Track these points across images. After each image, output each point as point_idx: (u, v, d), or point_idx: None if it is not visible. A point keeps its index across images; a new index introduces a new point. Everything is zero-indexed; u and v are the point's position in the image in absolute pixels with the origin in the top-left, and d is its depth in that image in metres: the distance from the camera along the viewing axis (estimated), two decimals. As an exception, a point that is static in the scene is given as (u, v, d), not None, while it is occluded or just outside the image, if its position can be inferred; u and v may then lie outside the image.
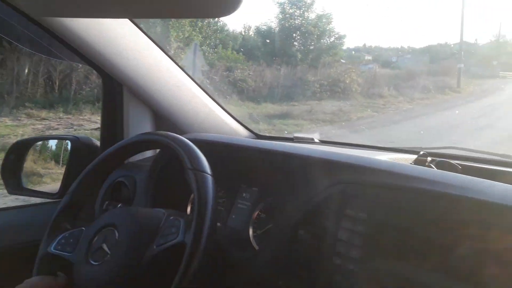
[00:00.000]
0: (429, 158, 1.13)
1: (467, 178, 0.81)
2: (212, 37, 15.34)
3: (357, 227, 0.85)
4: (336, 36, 16.13)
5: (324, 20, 15.70)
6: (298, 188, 0.99)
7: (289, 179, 1.05)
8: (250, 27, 17.39)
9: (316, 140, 1.50)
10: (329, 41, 16.00)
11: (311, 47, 15.18)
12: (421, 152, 1.17)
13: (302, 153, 1.07)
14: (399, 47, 56.06)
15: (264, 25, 16.16)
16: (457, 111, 10.62)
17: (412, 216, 0.80)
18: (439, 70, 20.62)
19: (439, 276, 0.73)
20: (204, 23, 14.24)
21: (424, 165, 1.10)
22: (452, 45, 57.28)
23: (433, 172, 0.90)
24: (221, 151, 1.23)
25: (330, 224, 0.89)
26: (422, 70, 22.49)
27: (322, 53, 15.37)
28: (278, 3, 15.61)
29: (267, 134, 1.69)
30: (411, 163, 1.12)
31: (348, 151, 1.16)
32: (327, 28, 15.66)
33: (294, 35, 15.00)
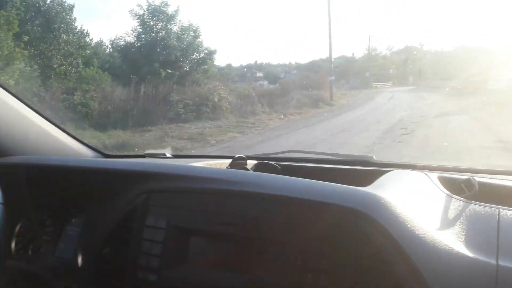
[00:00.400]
0: (248, 161, 1.24)
1: (265, 176, 0.88)
2: (76, 55, 13.24)
3: (157, 236, 0.87)
4: (206, 51, 15.22)
5: (191, 34, 14.69)
6: (107, 203, 1.02)
7: (100, 195, 1.07)
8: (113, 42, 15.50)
9: (168, 155, 1.55)
10: (198, 57, 15.03)
11: (178, 63, 14.00)
12: (237, 156, 1.24)
13: (107, 166, 1.10)
14: (287, 63, 59.61)
15: (119, 39, 14.48)
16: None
17: (217, 217, 0.84)
18: (315, 84, 21.55)
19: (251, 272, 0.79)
20: (66, 38, 12.14)
21: (239, 168, 1.18)
22: (333, 59, 61.15)
23: (228, 172, 0.99)
24: (50, 174, 1.19)
25: (133, 236, 0.91)
26: (301, 84, 23.13)
27: (191, 70, 14.36)
28: (136, 15, 13.97)
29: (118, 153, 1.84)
30: (227, 167, 1.21)
31: (189, 162, 1.22)
32: (195, 42, 14.66)
33: (157, 50, 13.61)
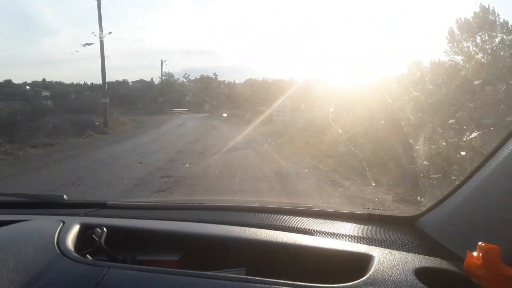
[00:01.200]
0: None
1: None
2: None
3: None
4: None
5: None
6: None
7: None
8: None
9: None
10: None
11: None
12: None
13: None
14: (82, 83, 52.45)
15: None
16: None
17: None
18: (89, 107, 17.71)
19: None
20: None
21: None
22: (130, 83, 56.83)
23: None
24: None
25: None
26: (74, 106, 18.69)
27: None
28: None
29: None
30: None
31: None
32: None
33: None
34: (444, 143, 5.10)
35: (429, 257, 1.10)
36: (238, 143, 12.75)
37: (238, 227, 1.28)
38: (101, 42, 17.48)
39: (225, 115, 30.31)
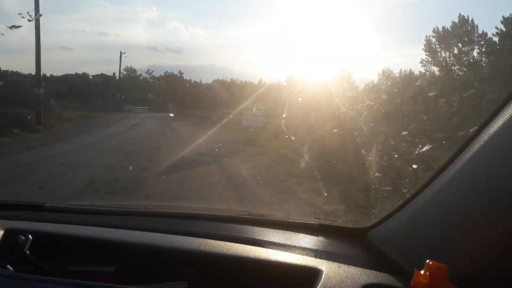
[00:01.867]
0: None
1: None
2: None
3: None
4: None
5: None
6: None
7: None
8: None
9: None
10: None
11: None
12: None
13: None
14: (42, 75, 49.13)
15: None
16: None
17: None
18: (21, 100, 15.54)
19: None
20: None
21: None
22: (91, 77, 53.92)
23: None
24: None
25: None
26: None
27: None
28: None
29: None
30: None
31: None
32: None
33: None
34: (396, 155, 4.96)
35: (378, 272, 1.09)
36: (199, 153, 10.36)
37: (182, 237, 1.24)
38: (37, 22, 15.49)
39: (171, 114, 29.32)
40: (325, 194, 5.92)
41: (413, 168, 4.57)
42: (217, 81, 41.56)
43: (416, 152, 4.50)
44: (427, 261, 0.84)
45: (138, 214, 1.64)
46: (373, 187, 5.04)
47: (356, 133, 5.41)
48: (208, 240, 1.22)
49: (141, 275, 1.11)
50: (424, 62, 17.29)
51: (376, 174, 5.10)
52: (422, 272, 0.85)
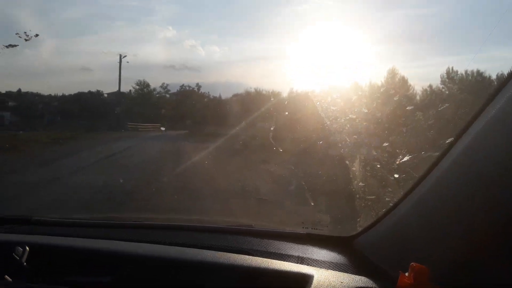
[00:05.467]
0: None
1: None
2: None
3: None
4: None
5: None
6: None
7: None
8: None
9: None
10: None
11: None
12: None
13: None
14: (53, 94, 48.53)
15: None
16: None
17: None
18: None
19: None
20: None
21: None
22: (105, 95, 51.62)
23: None
24: None
25: None
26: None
27: None
28: None
29: None
30: None
31: None
32: None
33: None
34: (378, 165, 5.22)
35: (365, 277, 1.13)
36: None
37: (175, 247, 1.24)
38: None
39: (163, 128, 28.02)
40: (312, 204, 6.05)
41: (395, 177, 4.83)
42: (236, 95, 36.97)
43: (397, 162, 4.78)
44: (412, 263, 0.90)
45: (126, 227, 1.64)
46: (357, 196, 5.25)
47: (340, 145, 5.65)
48: (200, 250, 1.26)
49: (135, 286, 1.12)
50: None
51: (360, 184, 5.33)
52: (406, 274, 0.91)
